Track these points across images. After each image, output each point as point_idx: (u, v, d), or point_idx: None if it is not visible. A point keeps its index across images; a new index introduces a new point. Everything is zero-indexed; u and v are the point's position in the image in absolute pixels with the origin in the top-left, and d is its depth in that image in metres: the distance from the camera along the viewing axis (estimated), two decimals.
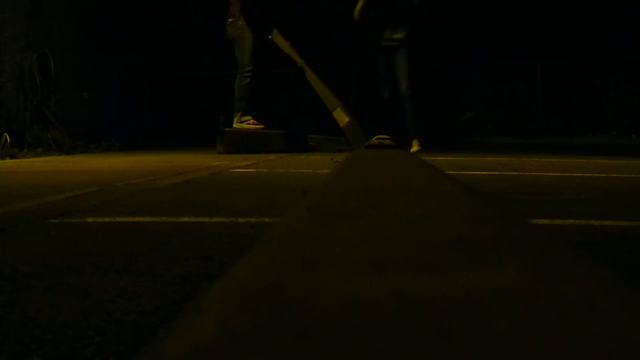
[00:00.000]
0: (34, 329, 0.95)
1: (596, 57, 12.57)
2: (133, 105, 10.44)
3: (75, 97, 8.36)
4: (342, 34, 12.25)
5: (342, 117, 7.02)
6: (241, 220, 2.00)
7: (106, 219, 2.04)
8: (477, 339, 0.44)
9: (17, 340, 0.90)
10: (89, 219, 2.05)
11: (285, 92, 12.13)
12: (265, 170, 4.25)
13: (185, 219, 2.06)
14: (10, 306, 1.07)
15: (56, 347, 0.88)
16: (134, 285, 1.20)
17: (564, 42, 13.08)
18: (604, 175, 3.89)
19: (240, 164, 4.77)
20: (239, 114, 7.11)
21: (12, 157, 6.22)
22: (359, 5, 7.02)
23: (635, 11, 12.53)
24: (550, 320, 0.47)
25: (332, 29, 12.62)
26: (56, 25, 8.15)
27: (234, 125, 7.10)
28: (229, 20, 7.18)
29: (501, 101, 12.55)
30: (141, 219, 2.05)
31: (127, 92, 10.25)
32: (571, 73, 12.90)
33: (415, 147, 6.92)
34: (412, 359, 0.41)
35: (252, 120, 7.09)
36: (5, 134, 6.57)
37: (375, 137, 6.82)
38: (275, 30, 7.22)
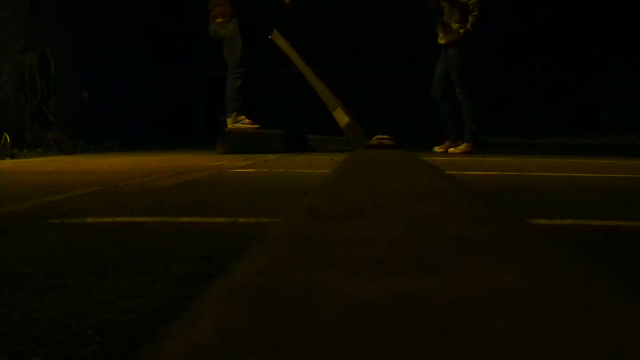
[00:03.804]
0: (34, 329, 0.95)
1: (596, 57, 12.58)
2: (133, 105, 10.44)
3: (75, 97, 8.36)
4: (342, 34, 12.25)
5: (342, 117, 7.02)
6: (241, 220, 2.00)
7: (106, 219, 2.04)
8: (477, 339, 0.44)
9: (17, 340, 0.90)
10: (89, 219, 2.05)
11: (285, 92, 12.14)
12: (265, 170, 4.25)
13: (185, 219, 2.06)
14: (10, 306, 1.07)
15: (56, 347, 0.88)
16: (134, 285, 1.20)
17: (564, 42, 13.08)
18: (604, 175, 3.89)
19: (240, 164, 4.77)
20: (234, 115, 7.12)
21: (12, 157, 6.22)
22: None
23: (635, 11, 12.53)
24: (550, 320, 0.47)
25: (332, 29, 12.62)
26: (56, 25, 8.15)
27: (229, 125, 7.12)
28: (218, 20, 7.20)
29: (501, 101, 12.55)
30: (141, 219, 2.05)
31: (127, 92, 10.25)
32: (571, 73, 12.91)
33: (459, 148, 6.86)
34: (412, 359, 0.41)
35: (246, 120, 7.10)
36: (5, 134, 6.57)
37: (375, 137, 6.83)
38: (275, 30, 7.22)
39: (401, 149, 5.11)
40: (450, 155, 6.56)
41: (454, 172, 3.53)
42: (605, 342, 0.43)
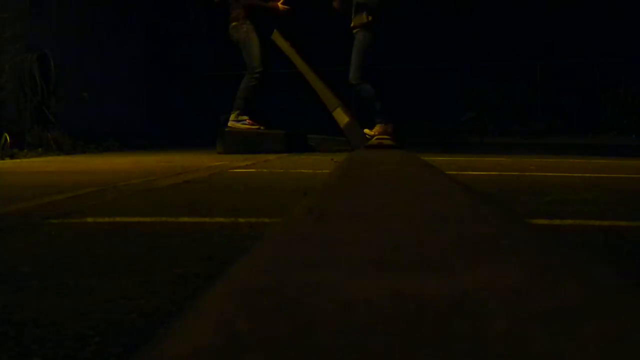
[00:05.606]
0: (34, 329, 0.95)
1: (596, 57, 12.58)
2: (133, 105, 10.44)
3: (75, 97, 8.36)
4: (342, 34, 12.24)
5: (342, 117, 7.02)
6: (241, 220, 2.00)
7: (106, 219, 2.04)
8: (477, 339, 0.44)
9: (17, 340, 0.90)
10: (89, 219, 2.05)
11: (285, 92, 12.12)
12: (265, 170, 4.25)
13: (185, 219, 2.06)
14: (10, 306, 1.07)
15: (56, 347, 0.88)
16: (134, 285, 1.20)
17: (564, 42, 13.08)
18: (604, 175, 3.89)
19: (240, 164, 4.77)
20: (236, 113, 7.11)
21: (12, 157, 6.22)
22: None
23: (635, 11, 12.54)
24: (550, 320, 0.47)
25: (332, 28, 12.61)
26: (56, 25, 8.15)
27: (230, 122, 7.10)
28: (233, 24, 7.19)
29: (501, 101, 12.55)
30: (141, 219, 2.05)
31: (127, 92, 10.25)
32: (571, 73, 12.91)
33: (375, 131, 6.93)
34: (412, 359, 0.41)
35: (248, 121, 7.09)
36: (5, 134, 6.57)
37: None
38: (275, 30, 7.22)
39: (401, 149, 5.11)
40: (450, 155, 6.56)
41: (454, 172, 3.53)
42: (606, 342, 0.43)
